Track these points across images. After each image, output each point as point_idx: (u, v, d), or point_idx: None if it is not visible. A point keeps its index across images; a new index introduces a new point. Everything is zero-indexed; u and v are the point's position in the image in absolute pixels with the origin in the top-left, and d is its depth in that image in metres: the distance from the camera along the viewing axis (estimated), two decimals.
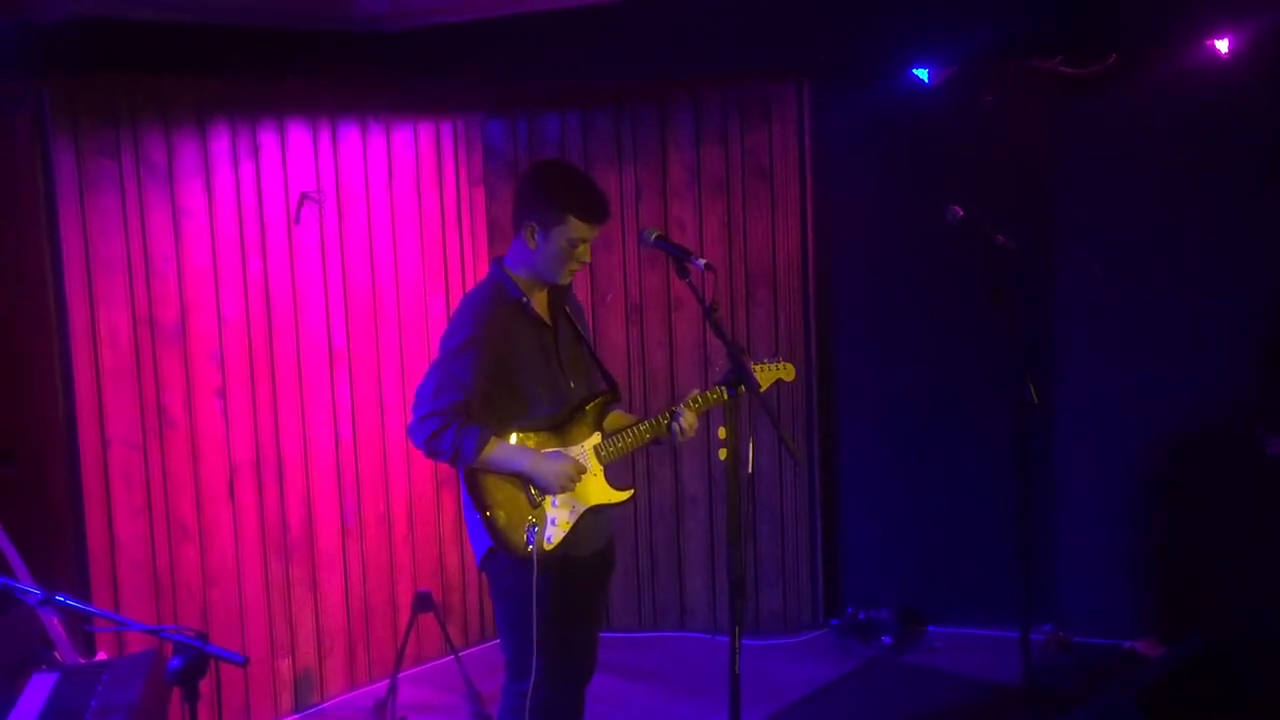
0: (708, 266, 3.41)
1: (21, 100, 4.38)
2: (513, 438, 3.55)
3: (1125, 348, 5.32)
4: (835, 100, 5.60)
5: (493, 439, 3.48)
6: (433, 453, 3.49)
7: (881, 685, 5.23)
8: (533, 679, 3.54)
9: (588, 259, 3.60)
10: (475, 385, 3.48)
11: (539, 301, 3.65)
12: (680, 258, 3.46)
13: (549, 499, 3.56)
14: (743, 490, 3.36)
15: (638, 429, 3.66)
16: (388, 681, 5.06)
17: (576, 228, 3.52)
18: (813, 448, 5.73)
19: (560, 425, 3.63)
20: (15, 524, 4.06)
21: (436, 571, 5.60)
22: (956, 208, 4.54)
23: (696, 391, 3.69)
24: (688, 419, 3.63)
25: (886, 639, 5.51)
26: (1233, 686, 4.33)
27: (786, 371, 3.89)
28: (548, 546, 3.54)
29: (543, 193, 3.56)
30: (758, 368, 3.78)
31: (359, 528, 5.30)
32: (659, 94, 5.62)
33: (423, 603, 5.11)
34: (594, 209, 3.54)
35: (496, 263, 3.67)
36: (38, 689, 3.10)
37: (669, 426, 3.63)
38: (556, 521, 3.57)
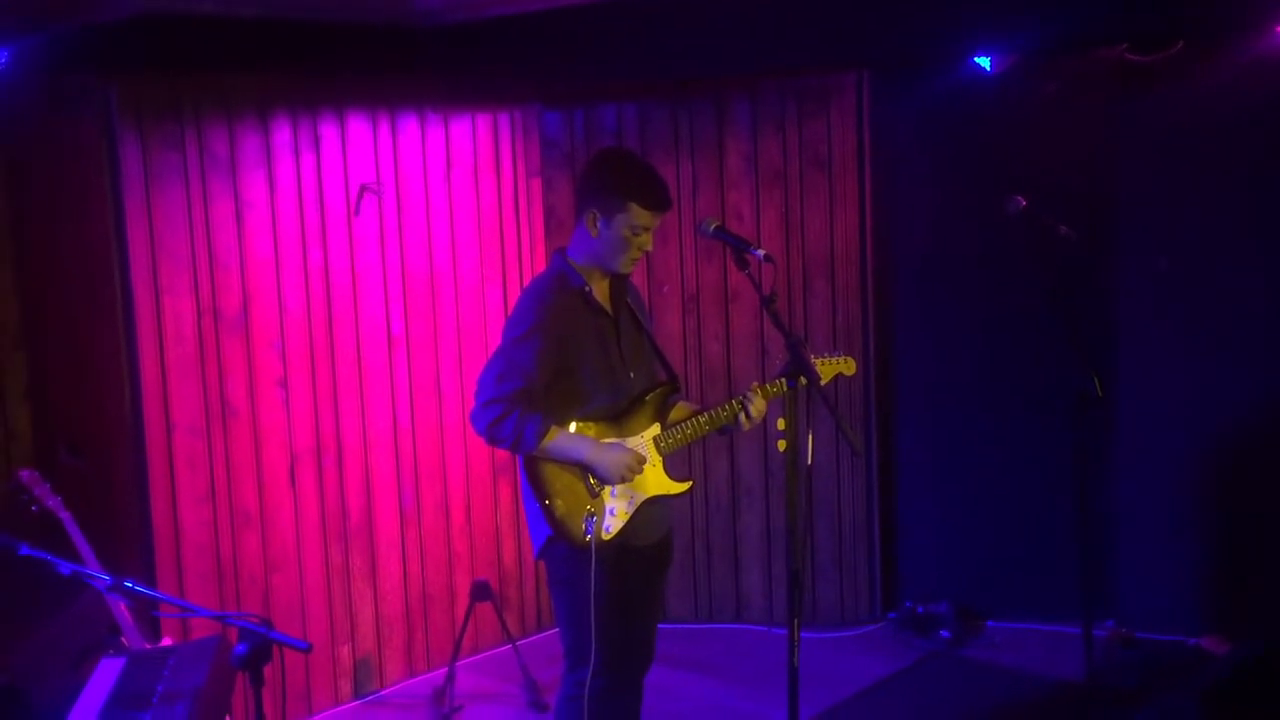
0: (767, 257, 3.39)
1: (89, 96, 4.45)
2: (572, 427, 3.56)
3: (1189, 342, 5.22)
4: (895, 89, 5.53)
5: (554, 428, 3.50)
6: (494, 439, 3.51)
7: (941, 680, 5.19)
8: (591, 668, 3.55)
9: (649, 247, 3.61)
10: (538, 373, 3.49)
11: (600, 291, 3.65)
12: (740, 248, 3.45)
13: (608, 489, 3.57)
14: (801, 482, 3.34)
15: (698, 420, 3.65)
16: (446, 669, 5.11)
17: (639, 214, 3.52)
18: (871, 439, 5.69)
19: (619, 416, 3.63)
20: (84, 511, 4.14)
21: (494, 561, 5.63)
22: (1019, 198, 4.47)
23: (756, 384, 3.68)
24: (758, 405, 3.62)
25: (945, 633, 5.46)
26: None
27: (848, 366, 3.88)
28: (606, 536, 3.55)
29: (605, 179, 3.57)
30: (818, 361, 3.76)
31: (417, 516, 5.34)
32: (715, 83, 5.59)
33: (480, 591, 5.14)
34: (656, 196, 3.55)
35: (559, 253, 3.68)
36: (106, 673, 3.15)
37: (738, 415, 3.62)
38: (615, 512, 3.58)
